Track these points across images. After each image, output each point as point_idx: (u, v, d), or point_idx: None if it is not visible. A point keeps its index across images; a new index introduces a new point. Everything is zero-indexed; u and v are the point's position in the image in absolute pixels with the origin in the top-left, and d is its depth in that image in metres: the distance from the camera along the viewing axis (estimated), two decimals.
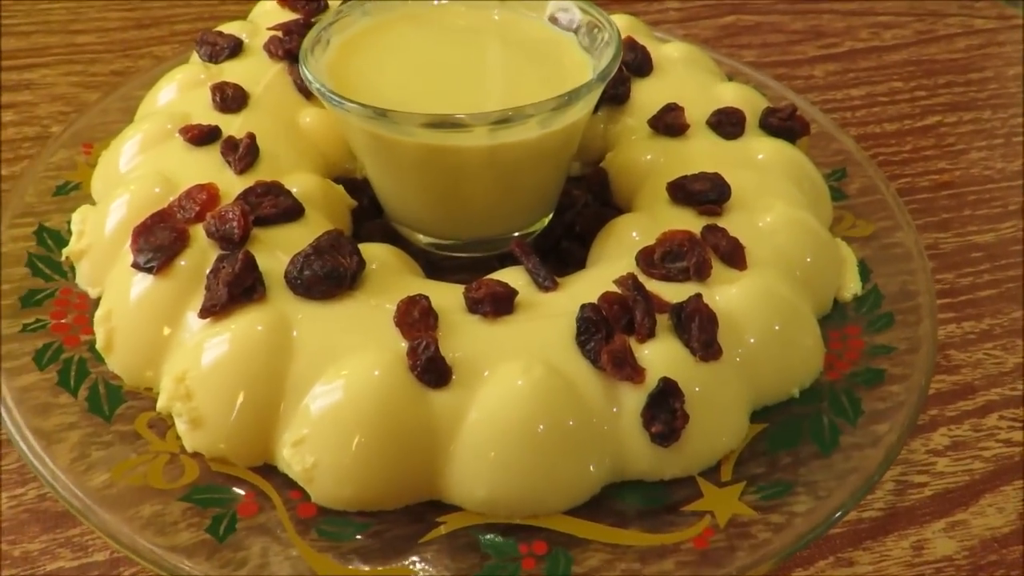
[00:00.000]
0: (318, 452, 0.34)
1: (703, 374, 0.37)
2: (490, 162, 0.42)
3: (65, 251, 0.44)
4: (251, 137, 0.45)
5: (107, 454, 0.36)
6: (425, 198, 0.46)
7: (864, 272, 0.47)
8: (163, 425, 0.37)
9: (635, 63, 0.54)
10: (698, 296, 0.38)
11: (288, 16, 0.56)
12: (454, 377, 0.36)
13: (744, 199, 0.45)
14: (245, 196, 0.41)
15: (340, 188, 0.48)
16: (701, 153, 0.49)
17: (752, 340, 0.39)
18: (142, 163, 0.46)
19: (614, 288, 0.38)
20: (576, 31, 0.49)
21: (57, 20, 0.72)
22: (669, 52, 0.57)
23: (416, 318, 0.36)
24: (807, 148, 0.56)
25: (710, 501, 0.36)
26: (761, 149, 0.49)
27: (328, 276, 0.38)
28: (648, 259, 0.41)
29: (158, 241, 0.39)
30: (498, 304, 0.38)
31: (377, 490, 0.35)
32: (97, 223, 0.43)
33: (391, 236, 0.49)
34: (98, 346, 0.39)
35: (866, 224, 0.50)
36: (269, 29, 0.53)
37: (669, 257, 0.41)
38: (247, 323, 0.37)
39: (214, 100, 0.48)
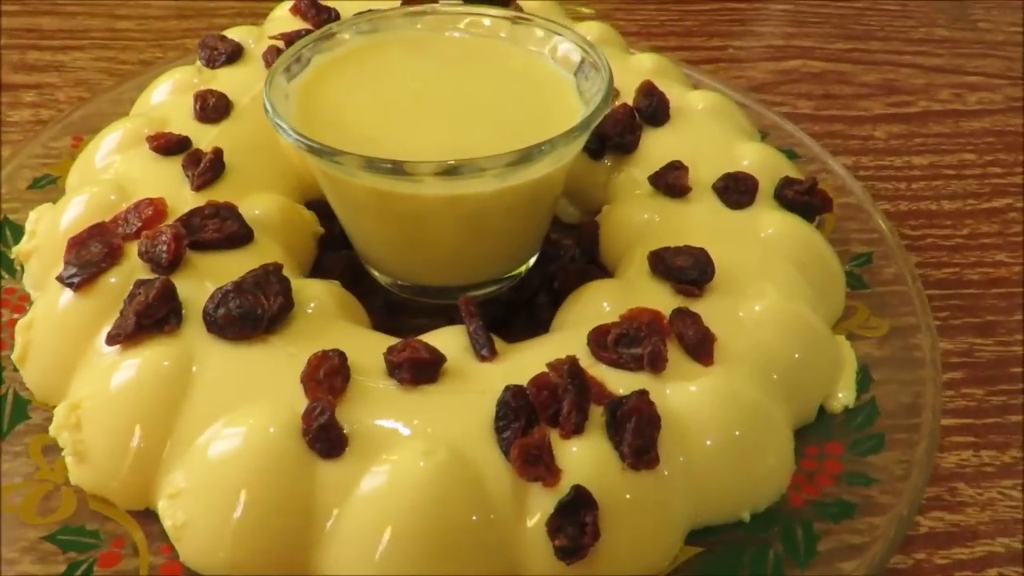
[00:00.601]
0: (191, 510, 0.32)
1: (631, 484, 0.33)
2: (446, 211, 0.39)
3: (15, 249, 0.43)
4: (216, 153, 0.43)
5: None
6: (383, 240, 0.43)
7: (864, 380, 0.41)
8: (58, 450, 0.36)
9: (649, 110, 0.50)
10: (642, 393, 0.34)
11: (299, 25, 0.54)
12: (349, 449, 0.32)
13: (733, 280, 0.40)
14: (189, 217, 0.40)
15: (308, 214, 0.46)
16: (699, 221, 0.44)
17: (702, 450, 0.35)
18: (112, 165, 0.45)
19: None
20: (576, 72, 0.45)
21: (104, 3, 0.73)
22: (693, 101, 0.52)
23: (321, 377, 0.34)
24: (833, 223, 0.50)
25: None
26: (770, 223, 0.44)
27: (243, 317, 0.35)
28: (600, 340, 0.37)
29: (88, 256, 0.38)
30: (419, 372, 0.35)
31: (247, 559, 0.32)
32: (51, 224, 0.42)
33: (355, 269, 0.47)
34: (13, 355, 0.38)
35: (881, 322, 0.44)
36: (271, 38, 0.52)
37: (624, 340, 0.37)
38: (150, 356, 0.35)
39: (195, 108, 0.47)
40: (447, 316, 0.45)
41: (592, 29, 0.58)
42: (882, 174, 0.63)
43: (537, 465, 0.32)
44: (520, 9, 0.57)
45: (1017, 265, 0.55)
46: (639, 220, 0.46)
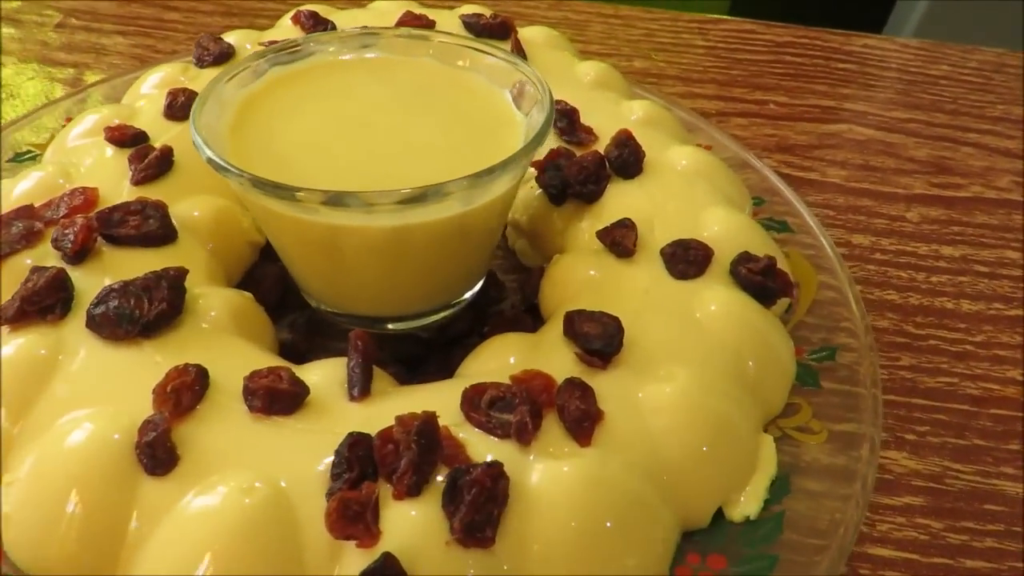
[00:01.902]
0: (16, 504, 0.32)
1: (454, 561, 0.30)
2: (362, 242, 0.38)
3: None
4: (164, 150, 0.44)
5: None
6: (304, 265, 0.42)
7: (780, 489, 0.37)
8: None
9: (619, 161, 0.47)
10: (491, 466, 0.31)
11: (298, 34, 0.55)
12: (177, 469, 0.32)
13: (647, 357, 0.37)
14: (111, 211, 0.40)
15: (249, 223, 0.46)
16: (635, 285, 0.41)
17: (559, 538, 0.32)
18: (78, 148, 0.47)
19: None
20: (529, 111, 0.42)
21: None
22: (675, 158, 0.49)
23: (168, 392, 0.33)
24: (809, 300, 0.46)
25: None
26: (713, 300, 0.40)
27: (118, 318, 0.35)
28: (474, 399, 0.34)
29: (8, 236, 0.39)
30: (273, 402, 0.33)
31: (57, 561, 0.31)
32: (6, 194, 0.44)
33: (288, 284, 0.46)
34: None
35: (822, 426, 0.40)
36: (260, 44, 0.52)
37: (500, 404, 0.34)
38: (26, 342, 0.35)
39: (165, 104, 0.48)
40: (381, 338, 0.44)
41: (591, 69, 0.55)
42: (901, 260, 0.57)
43: (356, 523, 0.30)
44: (519, 44, 0.55)
45: None
46: (580, 275, 0.43)
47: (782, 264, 0.43)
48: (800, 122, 0.70)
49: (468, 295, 0.46)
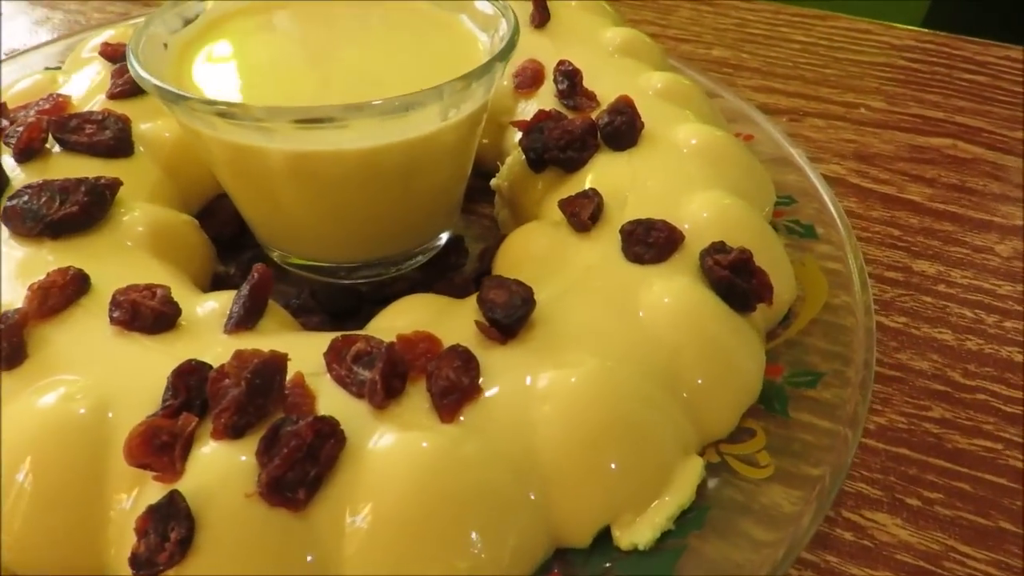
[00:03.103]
0: None
1: (253, 519, 0.27)
2: (291, 171, 0.35)
3: None
4: None
5: None
6: (237, 198, 0.40)
7: (691, 523, 0.30)
8: None
9: (610, 129, 0.41)
10: (322, 421, 0.28)
11: None
12: (24, 366, 0.30)
13: (557, 340, 0.32)
14: (71, 117, 0.40)
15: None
16: (580, 262, 0.36)
17: (379, 520, 0.27)
18: (85, 60, 0.48)
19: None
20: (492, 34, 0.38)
21: None
22: (683, 136, 0.42)
23: (36, 288, 0.32)
24: (811, 316, 0.38)
25: None
26: (665, 292, 0.34)
27: (23, 213, 0.35)
28: (340, 351, 0.31)
29: None
30: (135, 318, 0.32)
31: None
32: (11, 88, 0.46)
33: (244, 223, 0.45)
34: None
35: (769, 463, 0.32)
36: None
37: (365, 360, 0.30)
38: None
39: None
40: (309, 291, 0.42)
41: (618, 35, 0.50)
42: (970, 297, 0.47)
43: (161, 454, 0.28)
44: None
45: None
46: (531, 246, 0.38)
47: (767, 263, 0.36)
48: (891, 130, 0.60)
49: (421, 255, 0.42)
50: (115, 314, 0.32)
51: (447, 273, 0.43)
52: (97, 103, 0.43)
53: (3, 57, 0.51)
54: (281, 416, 0.28)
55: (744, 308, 0.35)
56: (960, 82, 0.66)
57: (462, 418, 0.29)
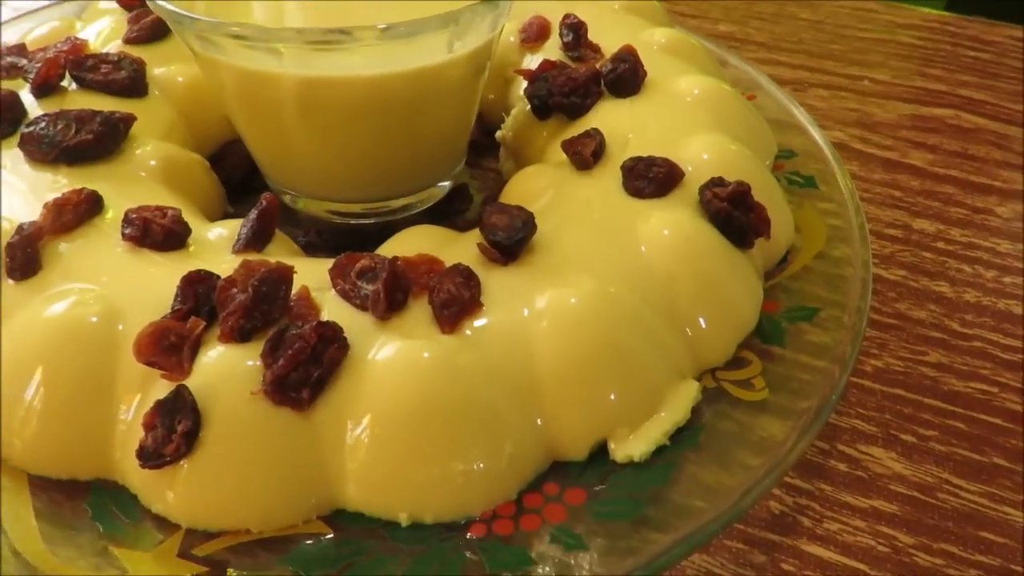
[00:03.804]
0: None
1: (257, 416, 0.28)
2: (304, 103, 0.36)
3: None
4: (159, 18, 0.45)
5: None
6: (248, 134, 0.41)
7: (685, 441, 0.31)
8: None
9: (614, 76, 0.42)
10: (325, 326, 0.29)
11: None
12: (37, 277, 0.31)
13: (557, 264, 0.33)
14: (87, 57, 0.41)
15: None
16: (582, 196, 0.36)
17: (379, 421, 0.28)
18: (103, 10, 0.49)
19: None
20: None
21: None
22: (685, 86, 0.43)
23: (51, 206, 0.33)
24: (807, 260, 0.39)
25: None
26: (664, 224, 0.35)
27: (39, 139, 0.36)
28: (345, 267, 0.32)
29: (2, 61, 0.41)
30: (146, 235, 0.33)
31: None
32: (25, 33, 0.47)
33: (255, 167, 0.46)
34: None
35: (763, 388, 0.33)
36: None
37: (369, 275, 0.31)
38: None
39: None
40: (315, 230, 0.43)
41: None
42: (969, 253, 0.47)
43: (170, 354, 0.28)
44: None
45: None
46: (535, 186, 0.39)
47: (764, 198, 0.36)
48: (894, 101, 0.61)
49: (426, 197, 0.43)
50: (127, 231, 0.33)
51: (451, 218, 0.44)
52: (113, 47, 0.44)
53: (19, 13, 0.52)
54: (286, 322, 0.29)
55: (742, 243, 0.36)
56: (965, 59, 0.67)
57: (461, 331, 0.30)
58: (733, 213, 0.35)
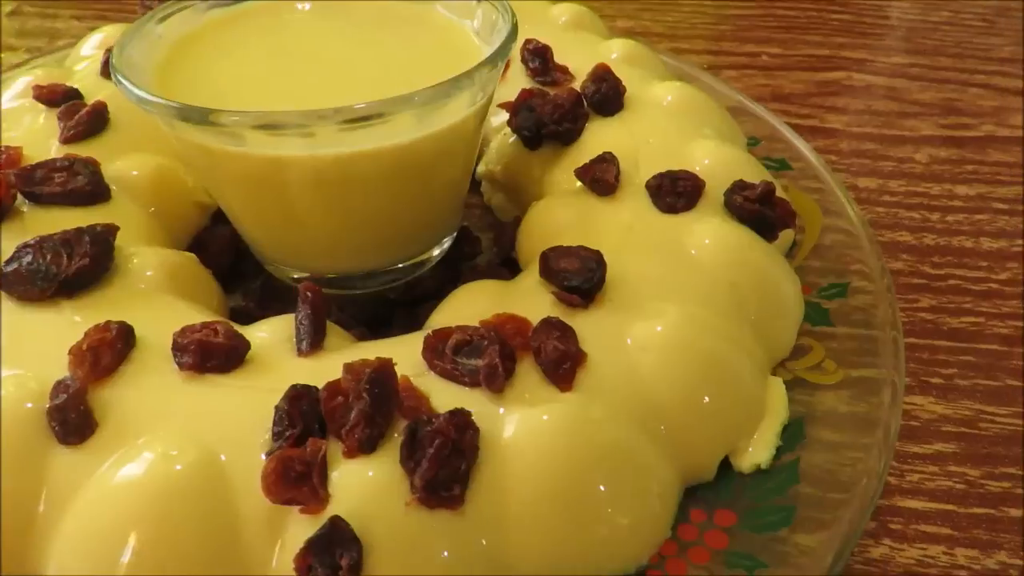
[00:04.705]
0: None
1: (416, 526, 0.26)
2: (303, 180, 0.33)
3: None
4: (97, 106, 0.40)
5: None
6: (251, 220, 0.38)
7: (795, 436, 0.32)
8: None
9: (597, 98, 0.43)
10: (456, 414, 0.27)
11: None
12: (96, 436, 0.27)
13: (634, 295, 0.33)
14: (34, 168, 0.36)
15: (195, 183, 0.42)
16: (618, 222, 0.37)
17: (530, 497, 0.27)
18: (9, 111, 0.43)
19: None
20: (492, 35, 0.38)
21: None
22: (659, 93, 0.45)
23: (83, 351, 0.29)
24: (812, 243, 0.42)
25: None
26: (706, 234, 0.36)
27: (31, 275, 0.31)
28: (437, 346, 0.30)
29: None
30: (205, 358, 0.29)
31: None
32: None
33: (241, 248, 0.42)
34: None
35: (836, 369, 0.35)
36: None
37: (467, 350, 0.30)
38: None
39: (101, 63, 0.44)
40: (336, 306, 0.40)
41: (565, 11, 0.52)
42: (911, 201, 0.53)
43: (300, 485, 0.26)
44: None
45: None
46: (559, 218, 0.39)
47: (781, 192, 0.39)
48: (795, 71, 0.66)
49: (437, 251, 0.41)
50: (184, 359, 0.29)
51: (462, 264, 0.43)
52: (51, 150, 0.39)
53: None
54: (412, 421, 0.27)
55: (771, 236, 0.38)
56: (833, 21, 0.74)
57: (577, 385, 0.30)
58: (765, 212, 0.37)
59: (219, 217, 0.43)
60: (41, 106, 0.41)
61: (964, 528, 0.34)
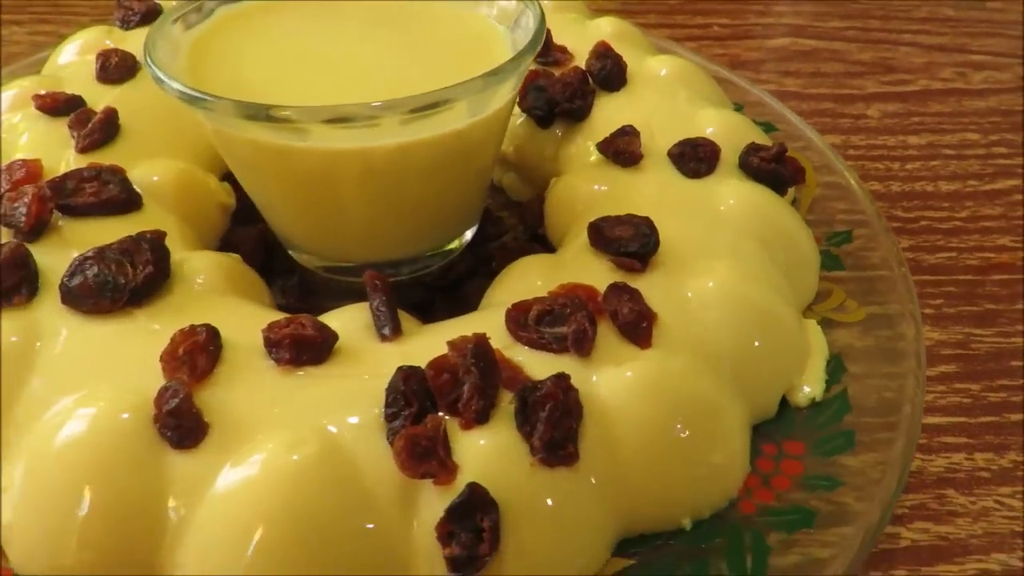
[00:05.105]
0: (18, 508, 0.27)
1: (542, 484, 0.28)
2: (351, 170, 0.34)
3: None
4: (108, 112, 0.39)
5: None
6: (290, 210, 0.38)
7: (836, 370, 0.36)
8: None
9: (602, 74, 0.45)
10: (560, 378, 0.29)
11: None
12: (208, 438, 0.27)
13: (681, 256, 0.35)
14: (63, 179, 0.35)
15: (216, 183, 0.41)
16: (649, 191, 0.39)
17: (635, 446, 0.29)
18: (5, 126, 0.41)
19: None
20: (512, 26, 0.40)
21: None
22: (655, 66, 0.47)
23: (180, 356, 0.29)
24: (809, 201, 0.45)
25: None
26: (730, 194, 0.39)
27: (100, 287, 0.30)
28: (520, 318, 0.32)
29: None
30: (300, 351, 0.30)
31: (84, 564, 0.27)
32: None
33: (269, 246, 0.42)
34: None
35: (857, 307, 0.39)
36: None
37: (548, 319, 0.32)
38: None
39: (96, 68, 0.42)
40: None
41: None
42: (873, 154, 0.57)
43: (428, 460, 0.27)
44: None
45: (1020, 250, 0.49)
46: (586, 191, 0.41)
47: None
48: (745, 40, 0.70)
49: (469, 235, 0.43)
50: (280, 354, 0.30)
51: (487, 244, 0.44)
52: (68, 161, 0.37)
53: None
54: (519, 388, 0.29)
55: (783, 192, 0.41)
56: None
57: (654, 342, 0.32)
58: (780, 170, 0.40)
59: (237, 218, 0.43)
60: (43, 116, 0.40)
61: (977, 435, 0.39)
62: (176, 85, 0.32)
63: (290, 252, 0.41)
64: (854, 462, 0.32)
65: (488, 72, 0.32)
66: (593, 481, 0.29)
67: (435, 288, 0.42)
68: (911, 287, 0.39)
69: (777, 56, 0.68)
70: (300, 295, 0.41)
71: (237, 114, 0.31)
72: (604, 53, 0.45)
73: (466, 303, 0.39)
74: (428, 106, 0.31)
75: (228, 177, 0.43)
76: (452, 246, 0.42)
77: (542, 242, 0.43)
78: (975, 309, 0.45)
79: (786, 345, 0.35)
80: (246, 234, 0.42)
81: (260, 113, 0.30)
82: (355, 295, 0.39)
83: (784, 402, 0.35)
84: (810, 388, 0.35)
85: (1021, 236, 0.50)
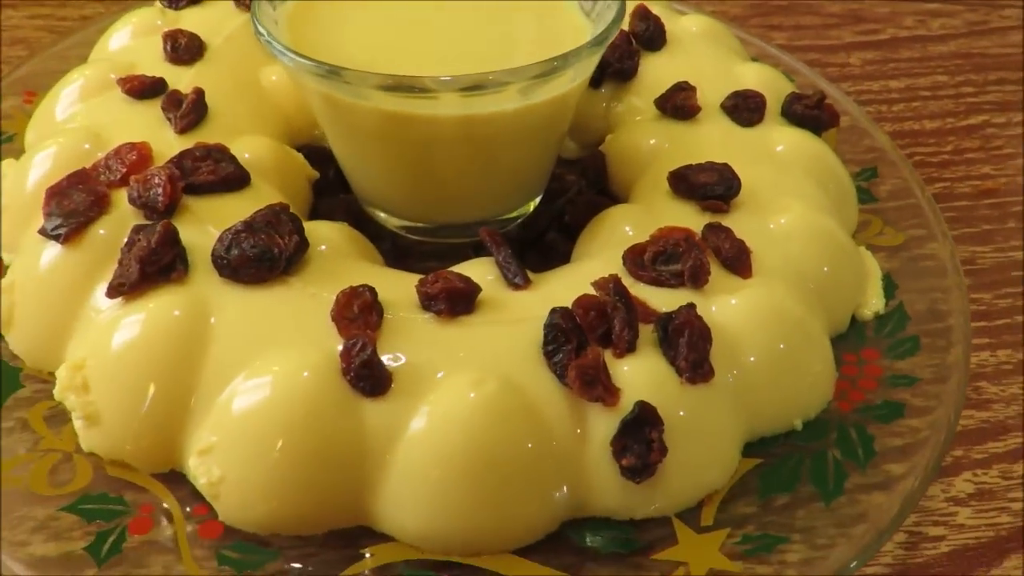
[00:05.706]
0: (227, 464, 0.29)
1: (689, 399, 0.32)
2: (462, 136, 0.37)
3: None
4: (198, 93, 0.40)
5: None
6: (389, 174, 0.40)
7: (889, 287, 0.41)
8: (63, 417, 0.32)
9: (646, 35, 0.48)
10: (690, 307, 0.33)
11: None
12: (394, 386, 0.30)
13: (756, 196, 0.39)
14: (180, 159, 0.36)
15: (300, 157, 0.43)
16: (711, 141, 0.43)
17: (751, 361, 0.34)
18: (77, 114, 0.41)
19: (592, 291, 0.33)
20: None
21: None
22: (687, 25, 0.51)
23: (355, 313, 0.31)
24: (834, 143, 0.50)
25: (685, 549, 0.31)
26: (781, 140, 0.43)
27: (259, 257, 0.32)
28: (637, 259, 0.35)
29: (72, 205, 0.34)
30: (455, 302, 0.33)
31: (294, 512, 0.30)
32: (17, 179, 0.38)
33: (356, 215, 0.44)
34: None
35: (895, 233, 0.44)
36: None
37: (662, 258, 0.35)
38: (160, 307, 0.32)
39: (165, 49, 0.43)
40: (460, 257, 0.43)
41: None
42: (862, 98, 0.63)
43: (595, 386, 0.31)
44: None
45: (1003, 176, 0.56)
46: (647, 145, 0.44)
47: None
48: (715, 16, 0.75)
49: (539, 196, 0.46)
50: (439, 306, 0.32)
51: (557, 200, 0.47)
52: (170, 142, 0.38)
53: None
54: (657, 318, 0.33)
55: (820, 135, 0.46)
56: None
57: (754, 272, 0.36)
58: (820, 115, 0.45)
59: (319, 190, 0.45)
60: (129, 100, 0.40)
61: (996, 335, 0.45)
62: (309, 62, 0.33)
63: (377, 216, 0.43)
64: (922, 362, 0.37)
65: (593, 40, 0.35)
66: (724, 394, 0.33)
67: (519, 244, 0.45)
68: (936, 209, 0.45)
69: (760, 11, 0.73)
70: (393, 259, 0.43)
71: (374, 85, 0.33)
72: (645, 15, 0.49)
73: (555, 253, 0.42)
74: (546, 72, 0.34)
75: (298, 150, 0.45)
76: (529, 207, 0.45)
77: (608, 195, 0.46)
78: (975, 231, 0.52)
79: (852, 267, 0.40)
80: (335, 204, 0.43)
81: (401, 84, 0.33)
82: (437, 257, 0.43)
83: (853, 319, 0.40)
84: (874, 303, 0.40)
85: (1001, 164, 0.57)
